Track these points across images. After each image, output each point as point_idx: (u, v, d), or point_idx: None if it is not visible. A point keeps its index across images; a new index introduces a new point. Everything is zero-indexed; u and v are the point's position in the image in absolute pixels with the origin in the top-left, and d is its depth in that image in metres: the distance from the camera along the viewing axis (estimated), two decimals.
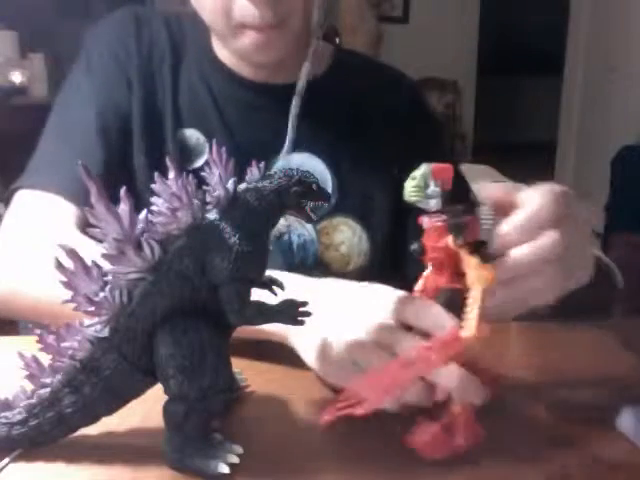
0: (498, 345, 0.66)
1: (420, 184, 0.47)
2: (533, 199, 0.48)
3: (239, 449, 0.44)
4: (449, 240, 0.46)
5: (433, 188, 0.47)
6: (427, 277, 0.49)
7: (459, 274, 0.47)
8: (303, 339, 0.54)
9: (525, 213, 0.47)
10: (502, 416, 0.52)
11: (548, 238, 0.46)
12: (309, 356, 0.53)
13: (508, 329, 0.70)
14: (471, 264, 0.45)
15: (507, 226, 0.47)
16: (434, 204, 0.47)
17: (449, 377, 0.45)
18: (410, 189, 0.47)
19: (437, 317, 0.47)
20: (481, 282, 0.45)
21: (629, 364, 0.62)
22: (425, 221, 0.48)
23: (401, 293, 0.50)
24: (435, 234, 0.47)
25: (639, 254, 2.32)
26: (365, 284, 0.55)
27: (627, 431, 0.48)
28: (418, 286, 0.50)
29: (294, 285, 0.51)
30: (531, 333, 0.70)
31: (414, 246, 0.48)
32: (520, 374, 0.59)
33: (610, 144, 3.56)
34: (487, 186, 0.50)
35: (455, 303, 0.49)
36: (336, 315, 0.52)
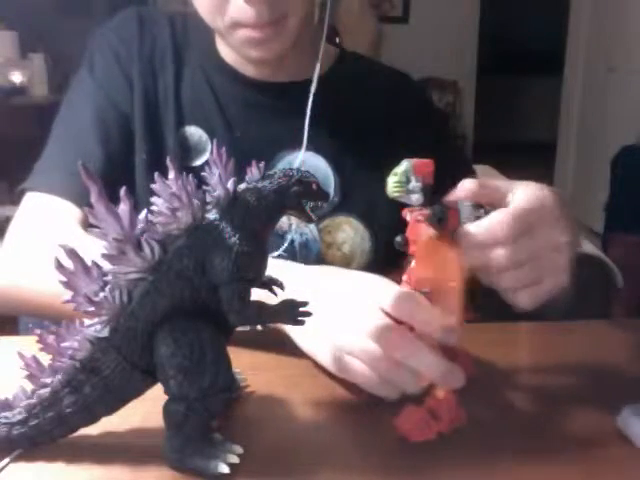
0: (498, 345, 0.66)
1: (402, 180, 0.48)
2: (516, 204, 0.50)
3: (239, 449, 0.44)
4: (425, 229, 0.48)
5: (414, 183, 0.48)
6: (411, 270, 0.49)
7: (442, 268, 0.48)
8: (307, 340, 0.55)
9: (497, 218, 0.49)
10: (501, 416, 0.52)
11: (503, 250, 0.49)
12: (321, 359, 0.54)
13: (508, 329, 0.70)
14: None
15: (475, 227, 0.49)
16: (416, 199, 0.48)
17: (430, 365, 0.47)
18: (392, 185, 0.49)
19: (431, 317, 0.48)
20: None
21: (629, 364, 0.62)
22: (408, 215, 0.49)
23: (398, 290, 0.50)
24: (416, 228, 0.48)
25: (639, 254, 2.32)
26: (364, 275, 0.56)
27: (627, 431, 0.48)
28: (404, 278, 0.50)
29: (295, 278, 0.53)
30: (531, 333, 0.70)
31: (398, 239, 0.49)
32: (520, 374, 0.59)
33: (610, 144, 3.56)
34: (465, 181, 0.51)
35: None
36: (337, 314, 0.52)
